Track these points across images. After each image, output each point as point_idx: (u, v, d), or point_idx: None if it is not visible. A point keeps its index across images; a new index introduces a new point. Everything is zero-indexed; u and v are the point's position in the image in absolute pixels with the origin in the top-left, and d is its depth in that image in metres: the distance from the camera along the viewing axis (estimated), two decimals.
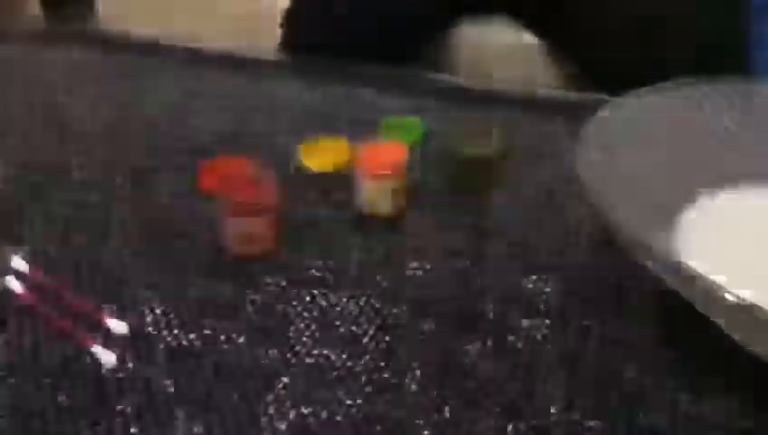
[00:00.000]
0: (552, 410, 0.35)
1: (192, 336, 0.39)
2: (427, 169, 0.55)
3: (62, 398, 0.35)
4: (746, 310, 0.27)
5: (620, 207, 0.35)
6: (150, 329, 0.39)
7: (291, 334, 0.39)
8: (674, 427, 0.34)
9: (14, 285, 0.42)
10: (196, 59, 0.75)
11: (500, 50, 0.92)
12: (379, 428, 0.33)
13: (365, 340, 0.39)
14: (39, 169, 0.55)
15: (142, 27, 0.85)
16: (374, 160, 0.48)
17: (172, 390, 0.35)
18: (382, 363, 0.37)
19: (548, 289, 0.43)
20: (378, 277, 0.43)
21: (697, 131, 0.44)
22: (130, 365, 0.37)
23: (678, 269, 0.30)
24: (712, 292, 0.28)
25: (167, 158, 0.56)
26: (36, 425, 0.33)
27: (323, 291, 0.42)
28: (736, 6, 0.79)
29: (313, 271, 0.44)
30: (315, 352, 0.38)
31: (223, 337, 0.39)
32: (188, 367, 0.37)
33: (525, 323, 0.40)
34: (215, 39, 0.81)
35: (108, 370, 0.36)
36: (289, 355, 0.38)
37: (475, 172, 0.52)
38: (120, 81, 0.70)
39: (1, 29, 0.82)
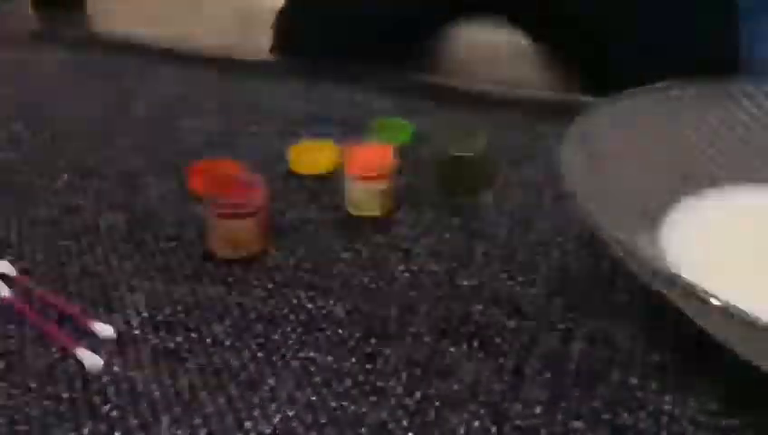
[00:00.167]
0: (536, 412, 0.35)
1: (179, 339, 0.39)
2: (415, 170, 0.55)
3: (47, 402, 0.35)
4: (728, 313, 0.28)
5: (604, 208, 0.35)
6: (137, 332, 0.39)
7: (277, 337, 0.39)
8: (658, 427, 0.34)
9: (0, 288, 0.42)
10: (185, 61, 0.75)
11: (492, 51, 0.93)
12: (363, 430, 0.34)
13: (351, 343, 0.39)
14: (26, 171, 0.55)
15: (131, 27, 0.85)
16: (362, 162, 0.48)
17: (157, 393, 0.35)
18: (368, 366, 0.37)
19: (534, 290, 0.43)
20: (365, 280, 0.44)
21: (682, 133, 0.44)
22: (116, 369, 0.37)
23: (662, 273, 0.30)
24: (694, 295, 0.29)
25: (155, 160, 0.56)
26: (21, 429, 0.33)
27: (310, 294, 0.42)
28: (727, 7, 0.79)
29: (301, 273, 0.44)
30: (301, 354, 0.38)
31: (209, 340, 0.39)
32: (174, 370, 0.37)
33: (511, 324, 0.40)
34: (205, 39, 0.81)
35: (93, 374, 0.36)
36: (275, 358, 0.38)
37: (462, 173, 0.52)
38: (109, 82, 0.70)
39: None
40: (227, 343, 0.39)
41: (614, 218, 0.36)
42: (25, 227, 0.48)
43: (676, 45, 0.75)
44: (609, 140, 0.41)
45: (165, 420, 0.34)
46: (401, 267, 0.45)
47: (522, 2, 0.87)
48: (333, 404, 0.35)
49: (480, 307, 0.41)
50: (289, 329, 0.40)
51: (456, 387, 0.36)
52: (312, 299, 0.42)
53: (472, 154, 0.52)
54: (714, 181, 0.43)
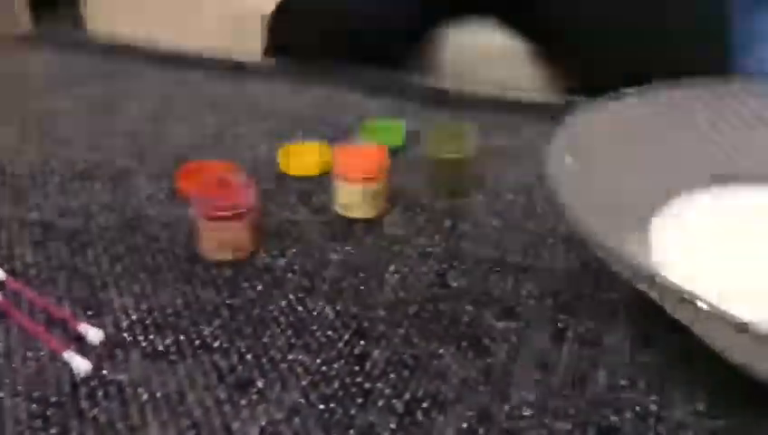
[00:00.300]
0: (524, 413, 0.35)
1: (168, 341, 0.39)
2: (407, 171, 0.55)
3: (34, 406, 0.35)
4: (715, 317, 0.28)
5: (591, 210, 0.36)
6: (126, 335, 0.39)
7: (266, 340, 0.39)
8: (644, 428, 0.34)
9: None
10: (178, 62, 0.75)
11: (485, 52, 0.93)
12: (351, 432, 0.34)
13: (340, 344, 0.39)
14: (18, 173, 0.55)
15: (125, 27, 0.85)
16: (352, 164, 0.48)
17: (146, 396, 0.35)
18: (356, 368, 0.37)
19: (523, 291, 0.43)
20: (355, 281, 0.44)
21: (670, 133, 0.44)
22: (105, 372, 0.37)
23: (647, 276, 0.30)
24: (682, 298, 0.29)
25: (147, 161, 0.56)
26: (9, 433, 0.33)
27: (300, 295, 0.42)
28: (719, 7, 0.79)
29: (290, 275, 0.44)
30: (290, 357, 0.38)
31: (198, 342, 0.39)
32: (162, 373, 0.37)
33: (500, 325, 0.40)
34: (196, 41, 0.81)
35: (82, 377, 0.36)
36: (264, 360, 0.38)
37: (452, 174, 0.52)
38: (103, 84, 0.70)
39: None
40: (216, 344, 0.39)
41: (601, 219, 0.36)
42: (15, 228, 0.48)
43: (666, 47, 0.75)
44: (596, 141, 0.41)
45: (153, 423, 0.34)
46: (391, 268, 0.45)
47: (513, 4, 0.87)
48: (321, 406, 0.35)
49: (470, 308, 0.41)
50: (278, 331, 0.40)
51: (444, 388, 0.36)
52: (301, 301, 0.42)
53: (462, 155, 0.52)
54: (701, 182, 0.43)
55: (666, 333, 0.40)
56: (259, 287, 0.43)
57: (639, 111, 0.43)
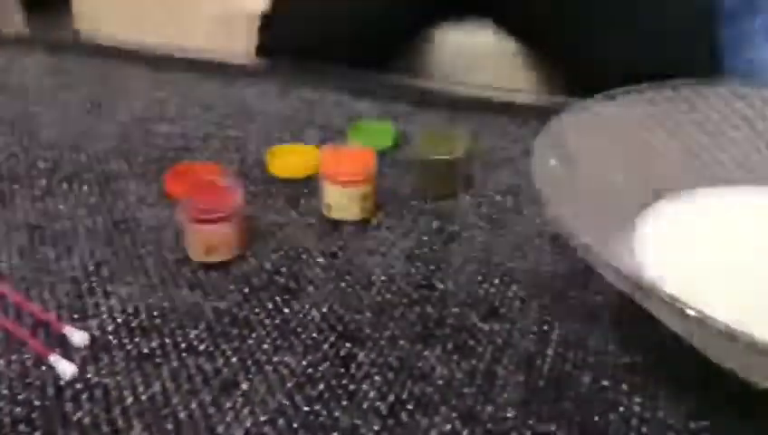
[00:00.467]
0: (508, 414, 0.35)
1: (153, 344, 0.39)
2: (396, 173, 0.55)
3: (18, 409, 0.35)
4: (700, 321, 0.28)
5: (576, 211, 0.36)
6: (111, 337, 0.39)
7: (251, 342, 0.39)
8: (627, 429, 0.34)
9: None
10: (165, 63, 0.75)
11: (478, 53, 0.93)
12: (335, 434, 0.34)
13: (325, 346, 0.39)
14: (5, 175, 0.55)
15: (116, 29, 0.85)
16: (341, 166, 0.48)
17: (130, 399, 0.35)
18: (342, 370, 0.37)
19: (510, 293, 0.43)
20: (341, 283, 0.44)
21: (655, 134, 0.44)
22: (89, 375, 0.37)
23: (632, 279, 0.30)
24: (666, 302, 0.29)
25: (135, 164, 0.56)
26: None
27: (286, 298, 0.42)
28: (706, 10, 0.80)
29: (277, 278, 0.44)
30: (275, 359, 0.38)
31: (183, 344, 0.39)
32: (147, 375, 0.37)
33: (485, 326, 0.40)
34: (187, 42, 0.81)
35: (66, 380, 0.36)
36: (249, 362, 0.38)
37: (440, 176, 0.52)
38: (92, 86, 0.70)
39: None
40: (201, 347, 0.39)
41: (586, 221, 0.36)
42: (2, 231, 0.48)
43: (653, 48, 0.76)
44: (581, 142, 0.41)
45: (137, 426, 0.34)
46: (378, 271, 0.45)
47: (506, 4, 0.88)
48: (306, 408, 0.35)
49: (456, 310, 0.42)
50: (264, 333, 0.40)
51: (428, 390, 0.36)
52: (287, 303, 0.42)
53: (450, 157, 0.52)
54: (687, 183, 0.43)
55: (650, 334, 0.40)
56: (245, 289, 0.43)
57: (625, 112, 0.43)
